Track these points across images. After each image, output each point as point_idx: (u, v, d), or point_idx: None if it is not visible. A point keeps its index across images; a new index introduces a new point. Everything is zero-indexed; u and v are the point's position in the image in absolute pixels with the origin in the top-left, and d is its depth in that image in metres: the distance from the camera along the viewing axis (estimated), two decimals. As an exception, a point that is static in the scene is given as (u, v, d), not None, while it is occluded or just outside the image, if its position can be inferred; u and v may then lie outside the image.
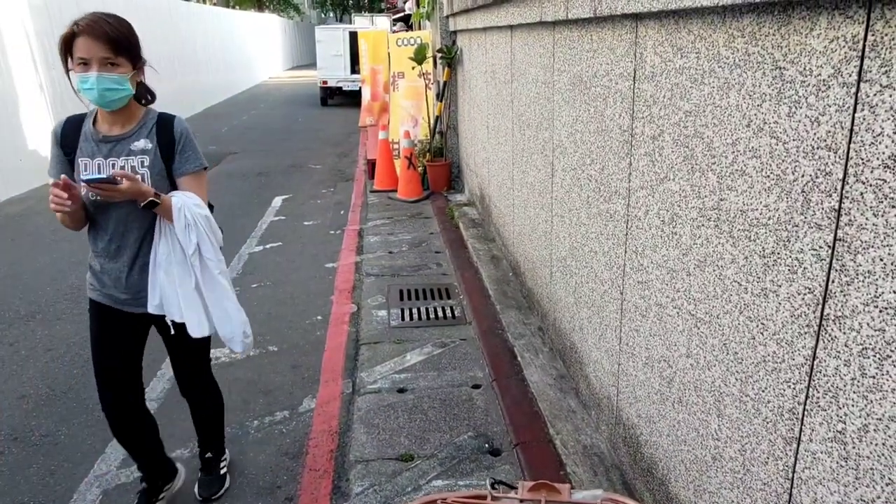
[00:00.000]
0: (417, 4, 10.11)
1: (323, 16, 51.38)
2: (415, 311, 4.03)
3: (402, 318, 3.93)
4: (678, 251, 1.84)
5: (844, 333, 1.19)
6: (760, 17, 1.38)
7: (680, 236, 1.83)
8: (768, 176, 1.39)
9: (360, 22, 23.85)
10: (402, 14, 20.63)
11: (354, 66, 14.73)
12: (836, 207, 1.19)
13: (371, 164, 7.69)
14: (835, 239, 1.20)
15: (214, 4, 30.03)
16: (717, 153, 1.60)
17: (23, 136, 7.91)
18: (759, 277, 1.45)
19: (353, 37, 14.70)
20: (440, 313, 4.00)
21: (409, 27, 15.74)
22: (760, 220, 1.43)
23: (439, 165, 6.87)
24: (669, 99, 1.84)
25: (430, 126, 7.02)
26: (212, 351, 3.60)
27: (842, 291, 1.19)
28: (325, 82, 15.74)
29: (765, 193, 1.41)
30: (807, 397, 1.32)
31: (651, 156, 1.99)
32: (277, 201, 6.97)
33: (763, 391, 1.47)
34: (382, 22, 22.48)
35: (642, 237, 2.10)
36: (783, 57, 1.32)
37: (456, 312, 4.01)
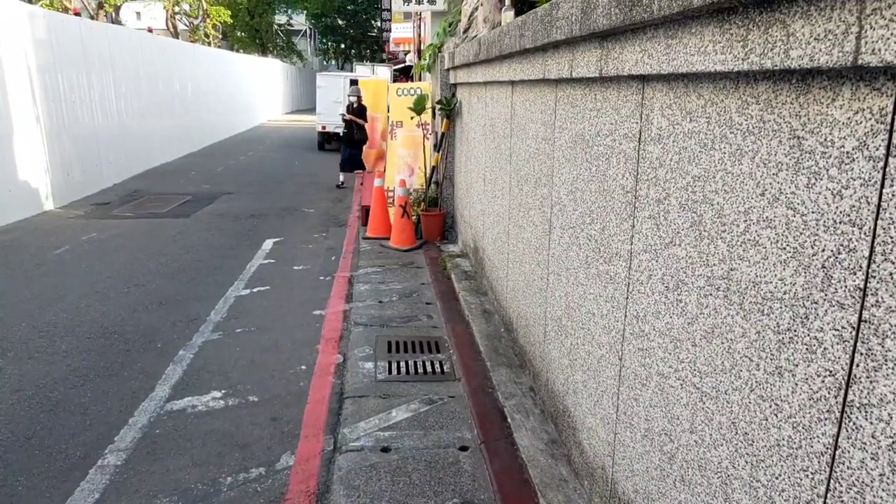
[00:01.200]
0: (419, 56, 10.29)
1: (325, 63, 52.47)
2: (403, 364, 3.90)
3: (390, 372, 3.80)
4: (683, 320, 1.76)
5: (871, 424, 1.10)
6: (777, 85, 1.34)
7: (685, 304, 1.75)
8: (784, 248, 1.32)
9: (362, 70, 24.35)
10: (402, 65, 21.08)
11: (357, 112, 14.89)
12: (861, 287, 1.12)
13: (365, 211, 7.64)
14: (859, 320, 1.12)
15: (218, 47, 30.62)
16: (728, 221, 1.53)
17: (14, 168, 7.83)
18: (772, 354, 1.37)
19: (354, 84, 14.92)
20: (429, 368, 3.87)
21: (410, 78, 16.03)
22: (775, 293, 1.35)
23: (433, 215, 6.84)
24: (677, 162, 1.79)
25: (426, 176, 7.01)
26: (189, 399, 3.47)
27: (868, 377, 1.11)
28: (323, 127, 15.92)
29: (780, 266, 1.34)
30: (827, 490, 1.21)
31: (656, 219, 1.93)
32: (268, 244, 6.88)
33: (777, 478, 1.36)
34: (383, 71, 22.95)
35: (644, 302, 2.02)
36: (802, 126, 1.27)
37: (445, 368, 3.89)
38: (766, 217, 1.39)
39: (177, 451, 3.01)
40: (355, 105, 10.69)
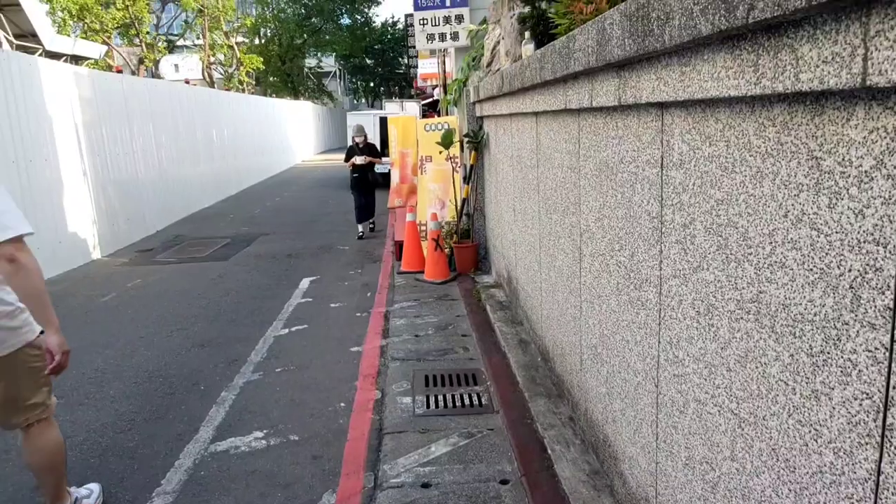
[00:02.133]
0: (445, 91, 10.47)
1: (355, 102, 53.69)
2: (440, 398, 3.90)
3: (428, 406, 3.80)
4: (716, 344, 1.74)
5: (912, 447, 1.07)
6: (792, 107, 1.35)
7: (717, 329, 1.73)
8: (811, 269, 1.31)
9: (391, 107, 24.82)
10: (431, 100, 21.44)
11: (384, 149, 15.18)
12: (891, 306, 1.10)
13: (398, 246, 7.73)
14: (892, 340, 1.10)
15: (252, 92, 31.66)
16: (754, 243, 1.53)
17: (64, 220, 8.20)
18: (807, 378, 1.34)
19: (384, 122, 15.22)
20: (467, 401, 3.86)
21: (438, 112, 16.26)
22: (805, 315, 1.33)
23: (466, 247, 6.88)
24: (699, 186, 1.79)
25: (457, 208, 7.08)
26: (232, 440, 3.52)
27: (904, 399, 1.08)
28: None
29: (808, 288, 1.32)
30: (873, 517, 1.18)
31: (682, 244, 1.92)
32: (305, 283, 7.01)
33: (821, 506, 1.32)
34: (412, 107, 23.37)
35: (676, 328, 2.00)
36: (819, 147, 1.27)
37: (483, 400, 3.87)
38: (791, 238, 1.38)
39: (221, 493, 3.06)
40: (361, 145, 9.87)
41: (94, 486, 3.03)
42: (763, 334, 1.50)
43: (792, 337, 1.39)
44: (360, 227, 9.84)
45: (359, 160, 9.63)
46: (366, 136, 9.86)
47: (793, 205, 1.36)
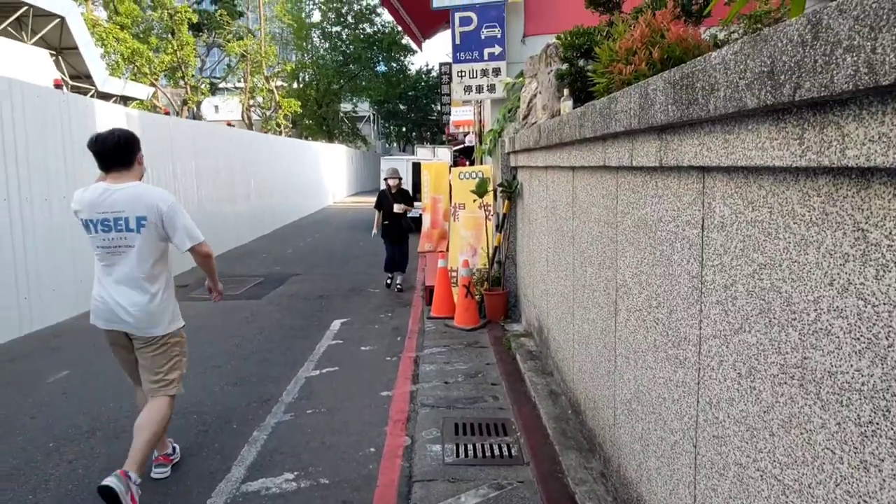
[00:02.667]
0: (480, 141, 10.68)
1: (388, 146, 54.77)
2: (470, 447, 3.89)
3: (457, 455, 3.79)
4: (758, 408, 1.74)
5: (965, 524, 1.07)
6: (837, 179, 1.39)
7: (759, 392, 1.74)
8: (858, 339, 1.33)
9: (423, 153, 25.26)
10: (462, 146, 21.79)
11: (416, 194, 15.43)
12: (941, 380, 1.11)
13: (429, 291, 7.80)
14: (942, 415, 1.11)
15: (289, 134, 32.58)
16: (798, 309, 1.55)
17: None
18: (856, 448, 1.34)
19: (416, 167, 15.51)
20: (496, 451, 3.84)
21: (471, 159, 16.51)
22: (852, 384, 1.35)
23: (497, 295, 6.91)
24: (741, 250, 1.82)
25: (488, 256, 7.14)
26: (263, 481, 3.55)
27: (957, 475, 1.09)
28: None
29: (855, 357, 1.34)
30: None
31: (723, 305, 1.95)
32: (336, 324, 7.08)
33: (870, 580, 1.31)
34: (443, 153, 23.76)
35: (716, 388, 2.00)
36: (865, 220, 1.30)
37: (513, 451, 3.85)
38: (837, 307, 1.40)
39: (251, 534, 3.07)
40: (394, 190, 9.01)
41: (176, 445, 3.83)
42: (808, 400, 1.51)
43: (839, 405, 1.40)
44: (398, 277, 9.19)
45: (397, 208, 8.91)
46: (400, 181, 9.23)
47: (838, 274, 1.39)
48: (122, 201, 3.27)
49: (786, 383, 1.60)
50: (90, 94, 17.20)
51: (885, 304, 1.25)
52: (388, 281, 9.36)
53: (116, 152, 3.35)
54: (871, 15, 1.13)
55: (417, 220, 10.57)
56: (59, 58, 17.35)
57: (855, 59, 1.17)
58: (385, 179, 9.25)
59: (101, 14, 26.80)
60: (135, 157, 3.43)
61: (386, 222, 9.07)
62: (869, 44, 1.13)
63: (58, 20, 16.27)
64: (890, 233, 1.23)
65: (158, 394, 3.42)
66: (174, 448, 3.77)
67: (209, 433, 4.21)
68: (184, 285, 9.54)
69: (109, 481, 3.01)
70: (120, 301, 3.33)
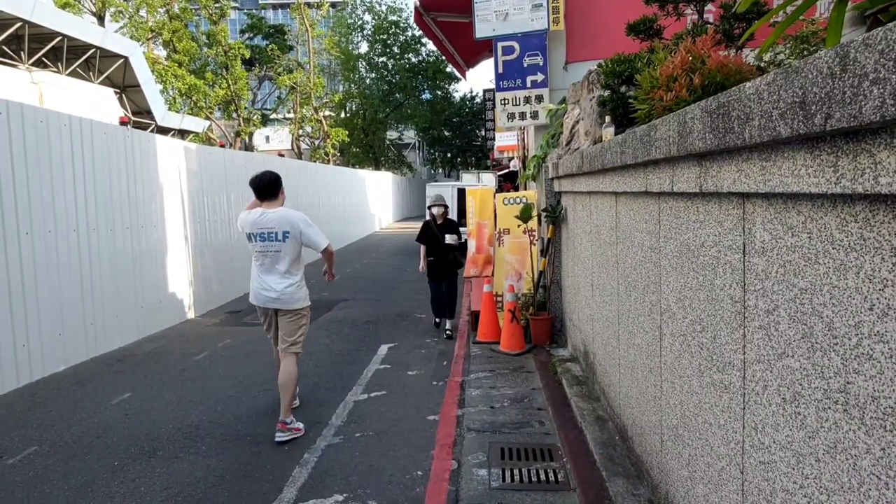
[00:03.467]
0: (524, 166, 10.76)
1: (433, 172, 55.41)
2: (517, 472, 3.90)
3: (503, 480, 3.81)
4: (804, 433, 1.74)
5: None
6: (874, 206, 1.41)
7: (804, 417, 1.74)
8: (898, 363, 1.34)
9: (467, 178, 25.46)
10: (506, 171, 21.91)
11: (461, 219, 15.57)
12: (981, 405, 1.12)
13: (474, 316, 7.85)
14: (983, 439, 1.12)
15: (336, 163, 33.37)
16: (839, 334, 1.56)
17: (166, 282, 8.85)
18: (899, 473, 1.34)
19: (462, 193, 15.67)
20: (542, 476, 3.84)
21: (514, 184, 16.60)
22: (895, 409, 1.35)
23: (542, 319, 6.91)
24: (783, 275, 1.84)
25: (533, 280, 7.17)
26: (314, 502, 3.64)
27: None
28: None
29: (897, 381, 1.34)
30: None
31: (766, 329, 1.96)
32: (383, 349, 7.20)
33: None
34: (488, 178, 23.90)
35: (762, 413, 2.00)
36: (901, 245, 1.32)
37: (559, 477, 3.84)
38: (878, 332, 1.41)
39: (303, 554, 3.15)
40: (439, 220, 7.95)
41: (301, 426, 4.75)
42: (852, 425, 1.51)
43: (883, 430, 1.40)
44: (447, 323, 7.88)
45: (449, 239, 7.85)
46: (446, 209, 8.11)
47: (878, 299, 1.41)
48: (272, 221, 4.66)
49: (830, 408, 1.61)
50: (150, 128, 18.11)
51: (923, 328, 1.26)
52: (437, 321, 8.33)
53: (268, 188, 4.79)
54: (896, 49, 1.17)
55: (464, 247, 9.76)
56: (123, 95, 18.36)
57: (881, 90, 1.21)
58: (429, 208, 8.27)
59: (161, 52, 28.28)
60: (279, 191, 4.87)
61: (431, 258, 7.92)
62: (894, 77, 1.17)
63: (122, 60, 17.27)
64: (926, 258, 1.25)
65: (288, 352, 4.72)
66: (292, 420, 4.73)
67: (261, 455, 4.34)
68: (237, 311, 9.86)
69: (277, 437, 4.53)
70: (272, 286, 4.69)
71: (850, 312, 1.51)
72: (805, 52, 3.68)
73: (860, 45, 1.27)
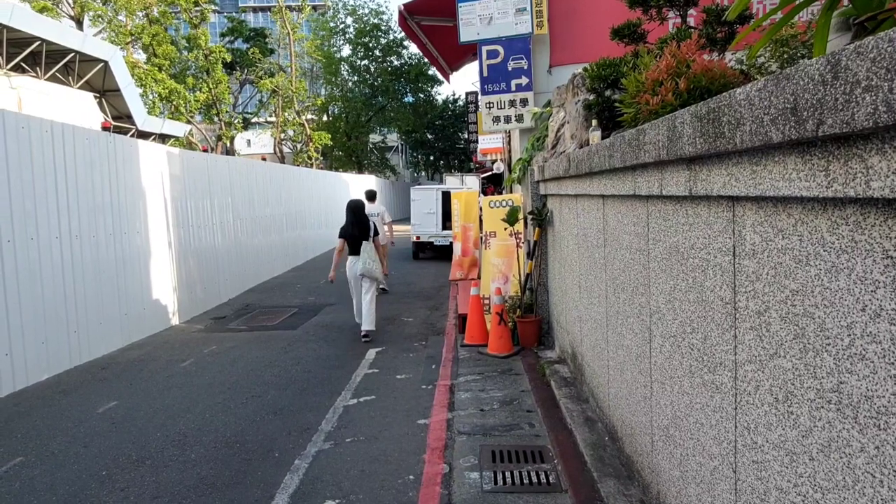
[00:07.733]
0: (510, 169, 10.80)
1: (416, 174, 55.38)
2: (508, 474, 3.91)
3: (495, 482, 3.82)
4: (797, 432, 1.77)
5: None
6: (865, 209, 1.44)
7: (797, 416, 1.77)
8: (892, 363, 1.37)
9: (451, 181, 25.51)
10: (490, 173, 21.96)
11: (446, 222, 15.60)
12: (973, 403, 1.15)
13: (462, 319, 7.86)
14: (976, 436, 1.15)
15: (319, 166, 33.24)
16: (832, 335, 1.59)
17: (149, 288, 8.75)
18: (895, 471, 1.37)
19: (446, 196, 15.70)
20: (534, 478, 3.86)
21: (499, 186, 16.62)
22: (889, 408, 1.38)
23: (529, 322, 6.94)
24: (774, 277, 1.87)
25: (520, 283, 7.19)
26: (306, 508, 3.61)
27: None
28: (417, 237, 16.69)
29: (891, 381, 1.38)
30: None
31: (757, 330, 1.99)
32: (371, 353, 7.18)
33: None
34: (471, 180, 23.97)
35: (754, 413, 2.03)
36: (894, 247, 1.35)
37: (551, 478, 3.86)
38: (870, 332, 1.44)
39: (296, 561, 3.13)
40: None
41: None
42: (846, 424, 1.54)
43: (876, 429, 1.43)
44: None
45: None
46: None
47: (870, 300, 1.44)
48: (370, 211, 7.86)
49: (823, 407, 1.64)
50: (131, 133, 17.91)
51: (915, 329, 1.29)
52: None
53: (367, 201, 7.24)
54: (887, 58, 1.20)
55: (448, 248, 10.69)
56: (103, 100, 18.14)
57: (874, 98, 1.24)
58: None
59: (140, 56, 27.97)
60: (374, 198, 9.84)
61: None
62: (886, 84, 1.20)
63: (102, 64, 17.06)
64: (917, 260, 1.28)
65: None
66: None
67: (252, 462, 4.31)
68: (222, 317, 9.77)
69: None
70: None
71: (843, 313, 1.54)
72: (784, 55, 3.75)
73: (852, 54, 1.30)
